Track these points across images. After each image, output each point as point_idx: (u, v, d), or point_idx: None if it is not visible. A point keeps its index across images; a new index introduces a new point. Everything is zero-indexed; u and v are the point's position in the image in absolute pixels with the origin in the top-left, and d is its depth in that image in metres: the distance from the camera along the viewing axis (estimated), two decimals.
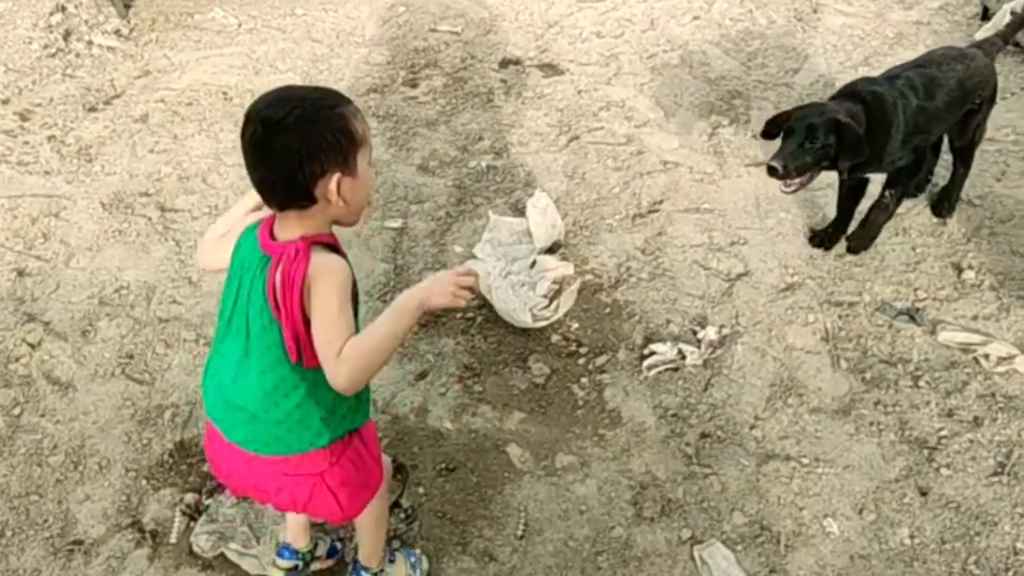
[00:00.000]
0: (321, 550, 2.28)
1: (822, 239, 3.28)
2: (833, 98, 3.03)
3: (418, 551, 2.32)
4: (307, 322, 1.61)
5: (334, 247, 1.69)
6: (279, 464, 1.75)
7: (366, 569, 2.16)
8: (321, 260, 1.60)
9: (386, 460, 2.12)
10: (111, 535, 2.40)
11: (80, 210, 3.50)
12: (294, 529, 2.20)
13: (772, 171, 2.85)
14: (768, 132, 2.97)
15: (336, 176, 1.60)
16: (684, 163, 3.70)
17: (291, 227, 1.65)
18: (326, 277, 1.58)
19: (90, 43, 4.55)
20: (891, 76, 3.02)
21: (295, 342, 1.63)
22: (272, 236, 1.67)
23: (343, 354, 1.55)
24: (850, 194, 3.21)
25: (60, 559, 2.36)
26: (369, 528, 2.10)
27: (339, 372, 1.56)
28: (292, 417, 1.70)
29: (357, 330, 1.65)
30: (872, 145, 2.90)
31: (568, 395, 2.76)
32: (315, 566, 2.26)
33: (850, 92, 2.97)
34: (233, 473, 1.84)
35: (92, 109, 4.10)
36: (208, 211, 3.44)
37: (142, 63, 4.42)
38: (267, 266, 1.62)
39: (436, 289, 1.66)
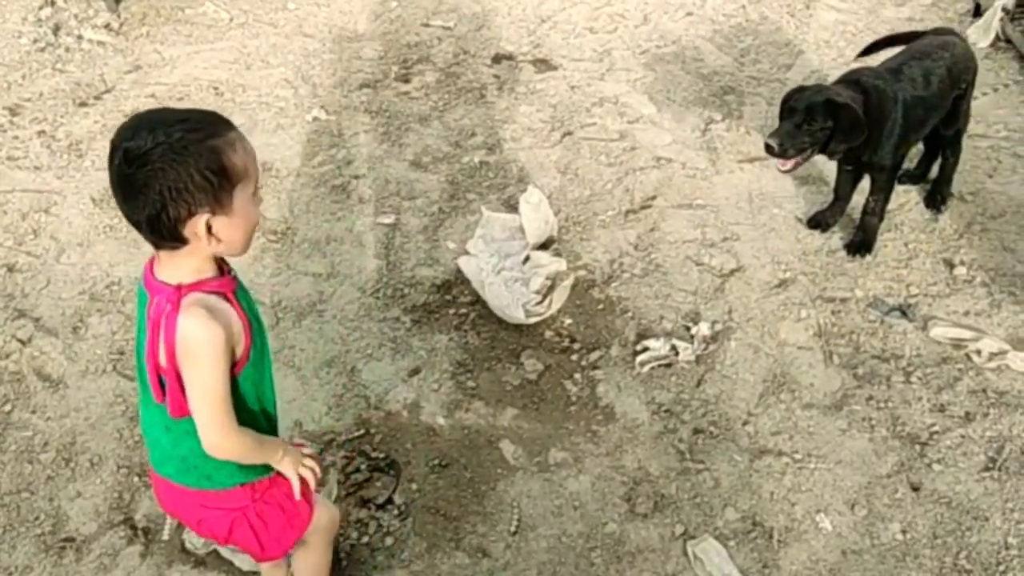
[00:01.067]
0: None
1: (819, 221, 3.32)
2: (836, 83, 3.06)
3: None
4: (178, 376, 1.52)
5: (218, 291, 1.53)
6: (198, 496, 1.69)
7: None
8: (192, 332, 1.46)
9: (334, 509, 2.02)
10: (103, 532, 2.39)
11: (70, 205, 3.48)
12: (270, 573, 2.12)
13: (769, 149, 2.91)
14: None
15: (205, 217, 1.44)
16: (677, 159, 3.70)
17: (166, 267, 1.51)
18: (201, 357, 1.47)
19: (80, 37, 4.52)
20: (893, 69, 3.05)
21: (160, 389, 1.54)
22: (152, 270, 1.53)
23: (237, 439, 1.57)
24: (848, 176, 3.25)
25: (52, 556, 2.35)
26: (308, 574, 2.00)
27: (223, 444, 1.56)
28: (196, 454, 1.60)
29: (266, 370, 1.65)
30: (867, 136, 2.93)
31: (561, 391, 2.76)
32: None
33: (854, 80, 3.01)
34: (161, 496, 1.78)
35: (82, 104, 4.07)
36: None
37: (132, 58, 4.39)
38: (146, 306, 1.52)
39: (293, 456, 1.72)
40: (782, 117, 2.98)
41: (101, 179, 3.61)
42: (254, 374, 1.62)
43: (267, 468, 1.71)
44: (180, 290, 1.48)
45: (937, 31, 3.35)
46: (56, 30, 4.56)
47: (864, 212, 3.19)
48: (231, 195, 1.46)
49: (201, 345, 1.47)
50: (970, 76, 3.20)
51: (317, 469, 1.76)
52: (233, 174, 1.46)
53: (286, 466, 1.71)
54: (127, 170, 1.40)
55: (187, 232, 1.45)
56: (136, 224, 1.46)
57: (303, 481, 1.74)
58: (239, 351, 1.55)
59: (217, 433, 1.54)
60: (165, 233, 1.45)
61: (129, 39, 4.54)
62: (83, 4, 4.72)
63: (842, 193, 3.29)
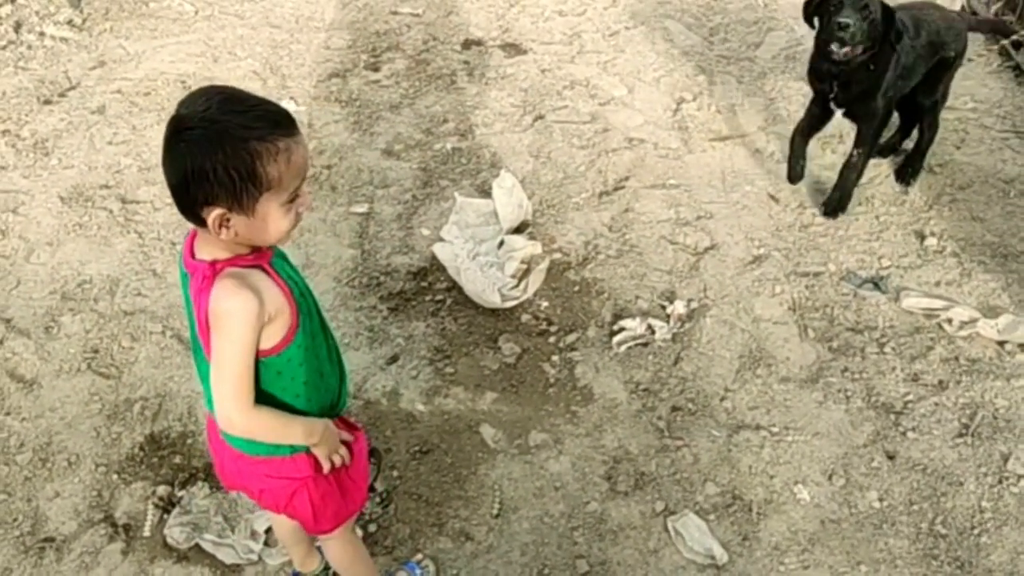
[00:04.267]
0: None
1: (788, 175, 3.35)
2: None
3: (419, 557, 2.29)
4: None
5: (256, 266, 1.52)
6: (263, 464, 1.70)
7: None
8: (221, 300, 1.46)
9: None
10: (83, 531, 2.38)
11: (38, 204, 3.44)
12: (299, 557, 2.16)
13: (843, 28, 2.84)
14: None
15: (219, 211, 1.42)
16: (649, 139, 3.71)
17: (204, 244, 1.51)
18: (226, 325, 1.46)
19: (42, 34, 4.45)
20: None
21: None
22: (192, 250, 1.54)
23: (253, 417, 1.54)
24: (811, 126, 3.24)
25: (31, 557, 2.33)
26: (344, 565, 2.03)
27: (234, 420, 1.54)
28: None
29: (318, 339, 1.63)
30: (876, 61, 2.95)
31: (539, 373, 2.77)
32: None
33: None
34: (225, 468, 1.79)
35: (47, 102, 4.01)
36: (170, 202, 3.37)
37: (97, 53, 4.33)
38: (188, 284, 1.53)
39: (330, 440, 1.69)
40: (842, 4, 2.87)
41: (69, 177, 3.57)
42: (310, 345, 1.60)
43: None
44: (215, 265, 1.48)
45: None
46: (18, 27, 4.48)
47: (845, 166, 3.19)
48: (256, 200, 1.43)
49: (228, 314, 1.46)
50: (959, 46, 3.21)
51: (347, 458, 1.75)
52: (262, 182, 1.42)
53: (320, 450, 1.69)
54: (170, 136, 1.42)
55: (204, 216, 1.44)
56: (170, 189, 1.46)
57: (360, 464, 1.78)
58: (283, 322, 1.52)
59: (230, 407, 1.52)
60: (186, 209, 1.45)
61: (93, 35, 4.48)
62: (44, 0, 4.65)
63: (796, 149, 3.25)
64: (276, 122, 1.43)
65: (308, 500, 1.75)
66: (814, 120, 3.25)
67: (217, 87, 1.47)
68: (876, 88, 3.02)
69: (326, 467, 1.72)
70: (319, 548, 2.22)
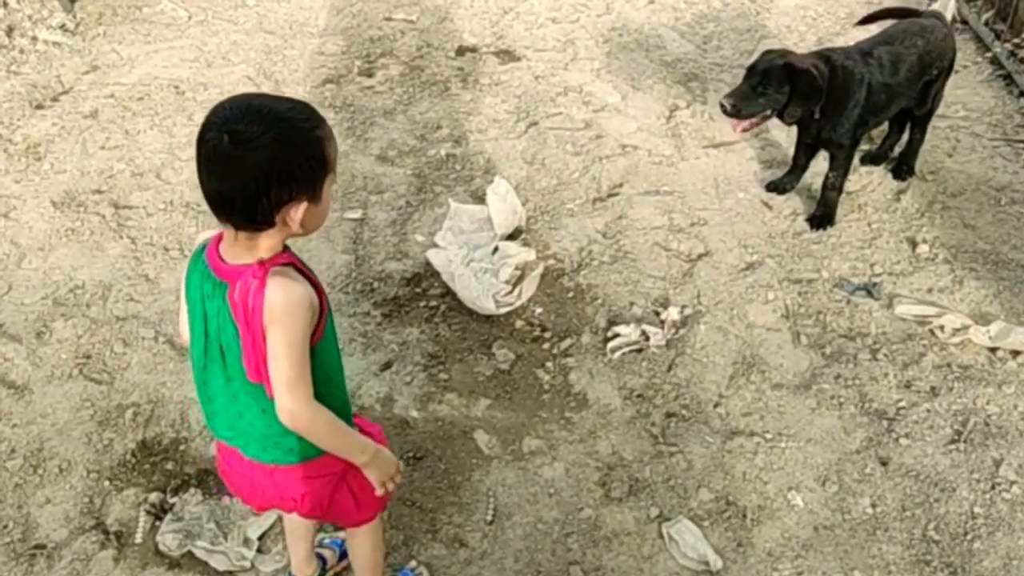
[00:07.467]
0: (331, 560, 2.24)
1: (776, 185, 3.45)
2: (807, 55, 3.14)
3: (413, 564, 2.28)
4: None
5: (293, 264, 1.58)
6: (301, 470, 1.71)
7: None
8: (279, 294, 1.49)
9: None
10: (74, 538, 2.36)
11: (30, 209, 3.42)
12: (298, 560, 2.15)
13: (722, 109, 3.03)
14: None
15: (304, 205, 1.49)
16: (643, 146, 3.72)
17: (243, 248, 1.53)
18: (285, 318, 1.49)
19: (35, 39, 4.44)
20: (864, 52, 3.11)
21: (258, 366, 1.56)
22: (221, 258, 1.55)
23: (315, 409, 1.56)
24: (806, 147, 3.34)
25: (22, 564, 2.31)
26: (368, 552, 2.03)
27: (299, 413, 1.54)
28: None
29: (332, 340, 1.65)
30: (826, 111, 3.04)
31: (534, 380, 2.77)
32: (331, 574, 2.25)
33: (824, 56, 3.07)
34: (257, 489, 1.76)
35: (39, 106, 4.00)
36: (164, 207, 3.38)
37: (90, 58, 4.32)
38: (227, 293, 1.52)
39: (383, 465, 1.71)
40: (743, 78, 3.06)
41: (61, 182, 3.55)
42: (329, 344, 1.64)
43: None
44: (264, 265, 1.51)
45: (930, 15, 3.41)
46: (9, 32, 4.47)
47: (824, 187, 3.26)
48: (323, 184, 1.52)
49: (289, 306, 1.49)
50: (945, 63, 3.25)
51: (397, 482, 1.77)
52: (328, 164, 1.52)
53: (372, 471, 1.71)
54: (232, 150, 1.42)
55: (279, 216, 1.49)
56: (227, 202, 1.47)
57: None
58: (315, 316, 1.56)
59: (294, 398, 1.53)
60: (259, 215, 1.48)
61: (86, 39, 4.47)
62: (37, 4, 4.63)
63: (800, 162, 3.40)
64: (315, 112, 1.53)
65: (349, 492, 1.77)
66: (805, 148, 3.36)
67: (240, 95, 1.52)
68: (834, 128, 3.10)
69: (379, 491, 1.73)
70: (319, 554, 2.22)
